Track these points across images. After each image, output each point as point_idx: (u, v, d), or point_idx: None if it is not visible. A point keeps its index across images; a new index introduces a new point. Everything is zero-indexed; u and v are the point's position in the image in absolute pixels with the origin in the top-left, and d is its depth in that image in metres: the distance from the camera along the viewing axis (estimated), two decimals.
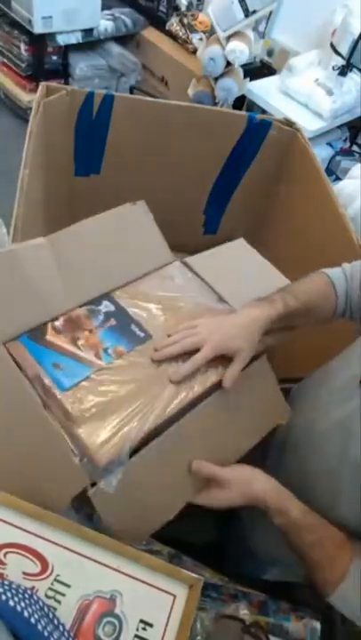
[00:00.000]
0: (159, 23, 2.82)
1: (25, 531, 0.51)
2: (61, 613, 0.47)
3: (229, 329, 0.66)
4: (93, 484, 0.55)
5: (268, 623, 0.68)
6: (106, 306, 0.68)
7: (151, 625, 0.49)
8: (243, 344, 0.65)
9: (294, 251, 1.19)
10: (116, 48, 2.75)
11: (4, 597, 0.42)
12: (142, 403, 0.60)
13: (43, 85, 1.06)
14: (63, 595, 0.48)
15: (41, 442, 0.57)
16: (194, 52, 2.54)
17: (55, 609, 0.47)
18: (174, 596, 0.51)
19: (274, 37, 2.54)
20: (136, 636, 0.48)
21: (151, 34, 2.82)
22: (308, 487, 0.65)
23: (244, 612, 0.68)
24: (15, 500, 0.52)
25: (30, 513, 0.51)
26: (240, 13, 2.02)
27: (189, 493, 0.63)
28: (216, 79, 2.24)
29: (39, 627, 0.42)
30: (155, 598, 0.50)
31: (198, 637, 0.60)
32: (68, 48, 2.61)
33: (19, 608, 0.42)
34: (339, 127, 2.32)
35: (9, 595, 0.43)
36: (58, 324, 0.64)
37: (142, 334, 0.67)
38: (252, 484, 0.63)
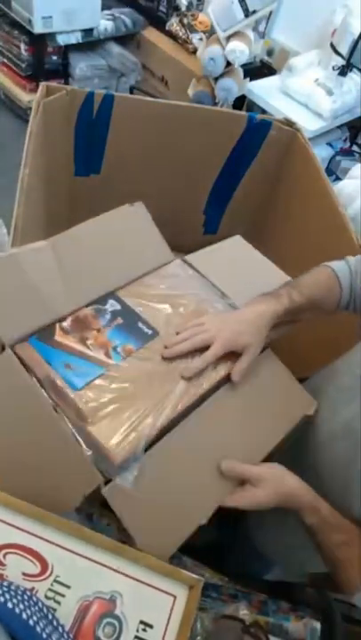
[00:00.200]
0: (159, 23, 2.81)
1: (24, 531, 0.51)
2: (61, 614, 0.47)
3: (238, 325, 0.67)
4: (107, 483, 0.55)
5: (267, 623, 0.68)
6: (112, 305, 0.69)
7: (151, 626, 0.48)
8: (251, 340, 0.66)
9: (294, 250, 1.19)
10: (116, 48, 2.75)
11: (2, 599, 0.42)
12: (154, 400, 0.61)
13: (43, 85, 1.06)
14: (63, 595, 0.48)
15: (52, 442, 0.57)
16: (194, 52, 2.53)
17: (55, 610, 0.47)
18: (174, 597, 0.50)
19: (274, 37, 2.54)
20: (136, 637, 0.48)
21: (151, 34, 2.82)
22: (318, 486, 0.65)
23: (244, 612, 0.68)
24: (15, 501, 0.52)
25: (30, 513, 0.51)
26: (240, 13, 2.02)
27: (220, 495, 0.61)
28: (216, 79, 2.24)
29: (38, 628, 0.42)
30: (155, 599, 0.50)
31: (198, 637, 0.60)
32: (68, 48, 2.61)
33: (17, 610, 0.42)
34: (339, 127, 2.32)
35: (7, 597, 0.43)
36: (66, 324, 0.65)
37: (150, 331, 0.68)
38: (285, 481, 0.62)
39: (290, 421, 0.70)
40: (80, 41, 2.57)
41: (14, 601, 0.42)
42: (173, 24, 2.68)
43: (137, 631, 0.48)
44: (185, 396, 0.63)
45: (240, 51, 2.06)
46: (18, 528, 0.51)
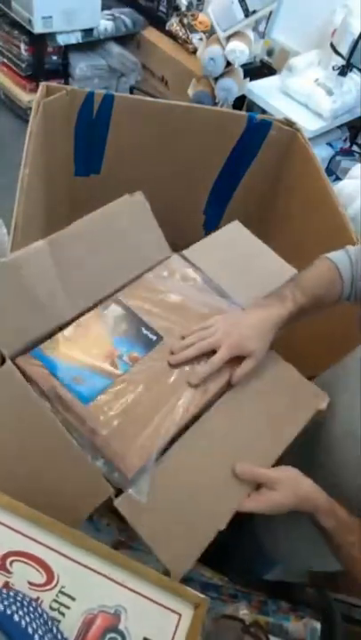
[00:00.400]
0: (159, 23, 2.81)
1: (32, 539, 0.50)
2: (65, 627, 0.46)
3: (244, 330, 0.66)
4: (118, 495, 0.55)
5: (267, 623, 0.67)
6: (114, 310, 0.68)
7: None
8: (257, 345, 0.66)
9: (294, 250, 1.19)
10: (116, 48, 2.75)
11: (8, 611, 0.41)
12: (163, 408, 0.60)
13: (43, 85, 1.06)
14: (68, 607, 0.48)
15: (59, 455, 0.57)
16: (194, 52, 2.53)
17: (59, 622, 0.46)
18: (180, 615, 0.50)
19: (274, 37, 2.54)
20: None
21: (151, 34, 2.82)
22: (329, 486, 0.65)
23: (244, 611, 0.68)
24: (24, 508, 0.51)
25: (37, 521, 0.51)
26: (240, 13, 2.02)
27: (236, 499, 0.60)
28: (216, 79, 2.24)
29: (36, 636, 0.41)
30: (159, 616, 0.49)
31: (198, 637, 0.60)
32: (68, 48, 2.61)
33: (23, 623, 0.41)
34: (339, 127, 2.32)
35: (14, 608, 0.42)
36: (68, 333, 0.63)
37: (154, 337, 0.67)
38: (300, 484, 0.62)
39: (303, 417, 0.69)
40: (80, 41, 2.57)
41: (20, 613, 0.42)
42: (173, 24, 2.67)
43: None
44: (193, 401, 0.62)
45: (240, 51, 2.06)
46: (26, 536, 0.50)
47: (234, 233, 0.87)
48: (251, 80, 2.31)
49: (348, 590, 0.78)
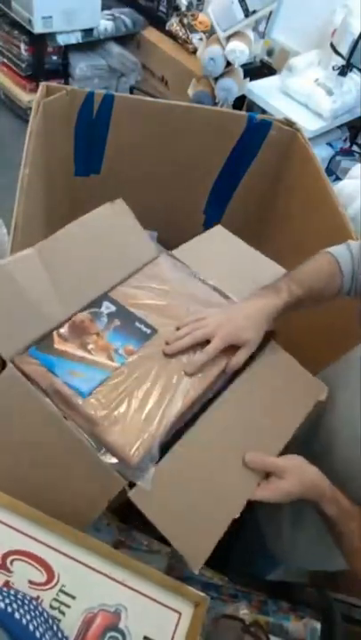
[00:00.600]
0: (159, 23, 2.81)
1: (32, 538, 0.51)
2: (65, 625, 0.46)
3: (239, 320, 0.67)
4: (131, 487, 0.55)
5: (267, 623, 0.68)
6: (107, 307, 0.69)
7: None
8: (251, 335, 0.67)
9: (294, 250, 1.19)
10: (116, 48, 2.75)
11: (9, 610, 0.42)
12: (162, 397, 0.61)
13: (43, 85, 1.06)
14: (68, 606, 0.48)
15: (68, 452, 0.57)
16: (194, 52, 2.53)
17: (59, 620, 0.47)
18: (180, 614, 0.50)
19: (274, 37, 2.54)
20: None
21: (151, 34, 2.82)
22: (334, 476, 0.65)
23: (244, 611, 0.68)
24: (24, 507, 0.51)
25: (39, 520, 0.51)
26: (240, 13, 2.02)
27: (247, 488, 0.61)
28: (216, 79, 2.24)
29: (37, 634, 0.41)
30: (160, 615, 0.49)
31: (198, 637, 0.60)
32: (68, 48, 2.61)
33: (24, 621, 0.41)
34: (339, 127, 2.32)
35: (15, 606, 0.42)
36: (63, 331, 0.64)
37: (148, 330, 0.68)
38: (306, 471, 0.63)
39: (304, 409, 0.70)
40: (80, 41, 2.57)
41: (21, 611, 0.42)
42: (173, 24, 2.68)
43: None
44: (191, 390, 0.63)
45: (240, 51, 2.06)
46: (26, 535, 0.51)
47: (218, 235, 0.88)
48: (251, 80, 2.31)
49: (348, 590, 0.79)
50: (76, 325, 0.66)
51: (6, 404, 0.60)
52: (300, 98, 2.20)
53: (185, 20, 2.62)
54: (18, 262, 0.64)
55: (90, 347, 0.64)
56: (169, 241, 0.81)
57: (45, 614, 0.45)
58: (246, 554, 0.94)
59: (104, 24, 2.63)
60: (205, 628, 0.63)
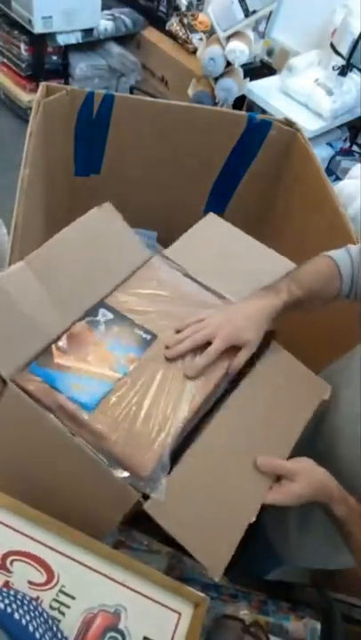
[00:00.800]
0: (159, 23, 2.81)
1: (32, 539, 0.50)
2: (65, 626, 0.46)
3: (238, 321, 0.67)
4: (145, 499, 0.55)
5: (267, 623, 0.68)
6: (104, 315, 0.67)
7: None
8: (251, 335, 0.66)
9: (294, 250, 1.19)
10: (116, 48, 2.75)
11: (9, 610, 0.42)
12: (168, 405, 0.61)
13: (43, 85, 1.06)
14: (68, 607, 0.48)
15: (78, 469, 0.57)
16: (194, 52, 2.53)
17: (59, 621, 0.46)
18: (179, 614, 0.50)
19: (274, 37, 2.54)
20: None
21: (151, 34, 2.82)
22: (338, 475, 0.66)
23: (244, 611, 0.68)
24: (24, 508, 0.51)
25: (38, 521, 0.51)
26: (240, 13, 2.02)
27: (260, 492, 0.61)
28: (216, 79, 2.24)
29: (37, 634, 0.41)
30: (159, 615, 0.49)
31: (198, 637, 0.60)
32: (68, 48, 2.61)
33: (24, 621, 0.41)
34: (339, 127, 2.32)
35: (14, 607, 0.42)
36: (62, 344, 0.63)
37: (148, 336, 0.67)
38: (316, 472, 0.63)
39: (309, 408, 0.70)
40: (80, 41, 2.57)
41: (20, 611, 0.42)
42: (173, 24, 2.67)
43: None
44: (197, 395, 0.63)
45: (240, 51, 2.06)
46: (26, 535, 0.50)
47: (211, 225, 0.87)
48: (251, 80, 2.31)
49: (348, 590, 0.79)
50: (75, 337, 0.64)
51: (11, 423, 0.59)
52: (300, 98, 2.20)
53: (185, 20, 2.62)
54: (10, 277, 0.62)
55: (90, 358, 0.62)
56: (169, 241, 0.81)
57: (45, 615, 0.45)
58: (249, 553, 0.95)
59: (104, 24, 2.63)
60: (205, 628, 0.63)
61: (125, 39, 2.83)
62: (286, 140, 1.21)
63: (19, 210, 0.83)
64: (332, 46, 2.10)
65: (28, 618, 0.42)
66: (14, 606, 0.42)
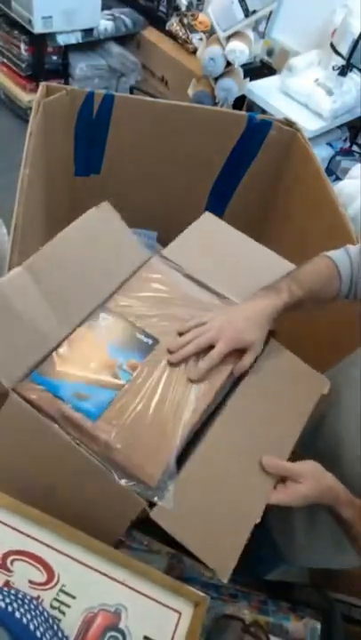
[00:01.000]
0: (159, 23, 2.81)
1: (32, 538, 0.50)
2: (65, 625, 0.46)
3: (240, 323, 0.67)
4: (151, 506, 0.55)
5: (267, 623, 0.68)
6: (104, 319, 0.67)
7: None
8: (254, 337, 0.67)
9: (294, 250, 1.19)
10: (116, 48, 2.74)
11: (10, 609, 0.42)
12: (172, 410, 0.61)
13: (43, 85, 1.06)
14: (68, 606, 0.48)
15: (83, 478, 0.56)
16: (194, 52, 2.53)
17: (59, 620, 0.46)
18: (180, 614, 0.50)
19: (274, 37, 2.53)
20: None
21: (151, 34, 2.82)
22: (341, 476, 0.66)
23: (244, 611, 0.68)
24: (24, 507, 0.51)
25: (39, 520, 0.51)
26: (240, 13, 2.02)
27: (263, 493, 0.61)
28: (216, 79, 2.24)
29: (38, 633, 0.41)
30: (160, 615, 0.49)
31: (198, 637, 0.60)
32: (68, 48, 2.60)
33: (24, 620, 0.41)
34: (339, 127, 2.32)
35: (15, 606, 0.42)
36: (63, 350, 0.62)
37: (150, 341, 0.66)
38: (321, 476, 0.63)
39: (309, 404, 0.71)
40: (80, 41, 2.57)
41: (22, 610, 0.42)
42: (173, 24, 2.67)
43: None
44: (201, 399, 0.63)
45: (240, 51, 2.06)
46: (26, 535, 0.50)
47: (208, 225, 0.86)
48: (251, 80, 2.31)
49: (349, 590, 0.79)
50: (76, 343, 0.63)
51: (13, 433, 0.58)
52: (300, 98, 2.20)
53: (185, 20, 2.62)
54: (10, 282, 0.61)
55: (92, 365, 0.62)
56: (169, 241, 0.81)
57: (45, 614, 0.45)
58: (253, 554, 0.95)
59: (104, 24, 2.63)
60: (205, 628, 0.63)
61: (125, 39, 2.83)
62: (286, 140, 1.21)
63: (19, 210, 0.83)
64: (332, 46, 2.10)
65: (28, 617, 0.42)
66: (15, 605, 0.42)
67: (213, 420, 0.64)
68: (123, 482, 0.55)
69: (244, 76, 2.27)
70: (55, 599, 0.48)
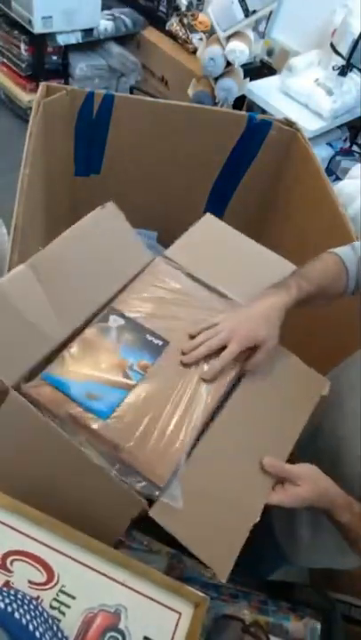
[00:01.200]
0: (159, 23, 2.81)
1: (32, 538, 0.50)
2: (65, 625, 0.46)
3: (251, 322, 0.67)
4: (150, 504, 0.55)
5: (268, 623, 0.68)
6: (115, 321, 0.67)
7: None
8: (266, 334, 0.67)
9: (294, 250, 1.19)
10: (116, 48, 2.74)
11: (9, 609, 0.42)
12: (181, 410, 0.61)
13: (43, 85, 1.07)
14: (68, 606, 0.48)
15: (84, 476, 0.57)
16: (194, 52, 2.53)
17: (59, 620, 0.46)
18: (179, 614, 0.50)
19: (274, 37, 2.53)
20: None
21: (151, 34, 2.82)
22: (342, 476, 0.66)
23: (244, 611, 0.68)
24: (24, 507, 0.51)
25: (38, 520, 0.51)
26: (240, 13, 2.02)
27: (262, 493, 0.62)
28: (216, 79, 2.24)
29: (37, 634, 0.41)
30: (160, 615, 0.49)
31: (198, 637, 0.60)
32: (68, 48, 2.60)
33: (24, 621, 0.41)
34: (339, 127, 2.32)
35: (15, 606, 0.42)
36: (74, 350, 0.63)
37: (160, 342, 0.67)
38: (319, 479, 0.64)
39: (309, 404, 0.71)
40: (80, 41, 2.57)
41: (21, 611, 0.42)
42: (173, 24, 2.67)
43: None
44: (210, 399, 0.63)
45: (240, 51, 2.06)
46: (26, 535, 0.50)
47: (209, 226, 0.87)
48: (251, 80, 2.31)
49: (350, 590, 0.79)
50: (87, 343, 0.64)
51: (13, 432, 0.58)
52: (300, 98, 2.20)
53: (185, 20, 2.62)
54: (12, 281, 0.61)
55: (103, 365, 0.62)
56: (169, 241, 0.81)
57: (45, 614, 0.45)
58: (256, 555, 0.95)
59: (104, 24, 2.63)
60: (205, 628, 0.63)
61: (125, 39, 2.83)
62: (286, 140, 1.21)
63: (19, 210, 0.83)
64: (332, 46, 2.10)
65: (28, 617, 0.42)
66: (15, 606, 0.42)
67: (213, 419, 0.64)
68: (131, 481, 0.55)
69: (244, 76, 2.27)
70: (55, 599, 0.48)
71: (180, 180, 1.30)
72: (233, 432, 0.64)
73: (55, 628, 0.45)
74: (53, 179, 1.15)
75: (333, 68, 2.11)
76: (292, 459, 0.66)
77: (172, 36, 2.70)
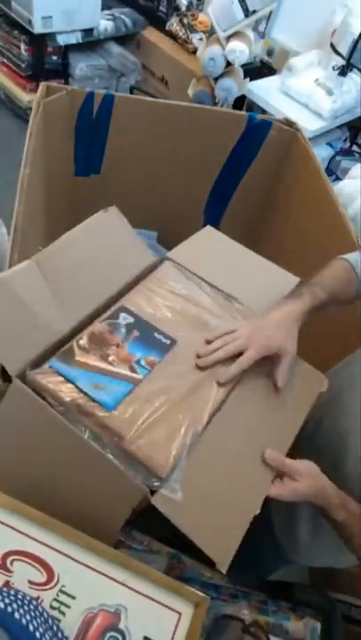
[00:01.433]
0: (159, 23, 2.81)
1: (32, 539, 0.51)
2: (65, 625, 0.46)
3: (269, 330, 0.68)
4: (152, 493, 0.55)
5: (267, 623, 0.68)
6: (124, 318, 0.69)
7: None
8: (284, 342, 0.68)
9: (294, 251, 1.19)
10: (116, 48, 2.74)
11: (9, 609, 0.42)
12: (187, 407, 0.62)
13: (43, 85, 1.07)
14: (68, 606, 0.48)
15: (85, 465, 0.57)
16: (194, 52, 2.53)
17: (59, 621, 0.47)
18: (180, 614, 0.50)
19: (274, 37, 2.53)
20: None
21: (151, 34, 2.82)
22: (338, 479, 0.67)
23: (244, 611, 0.68)
24: (24, 507, 0.51)
25: (38, 520, 0.51)
26: (240, 13, 2.02)
27: (263, 485, 0.62)
28: (216, 79, 2.24)
29: (37, 634, 0.41)
30: (160, 615, 0.50)
31: (198, 637, 0.60)
32: (68, 48, 2.60)
33: (24, 621, 0.41)
34: (339, 127, 2.32)
35: (15, 606, 0.42)
36: (83, 342, 0.64)
37: (168, 341, 0.68)
38: (317, 476, 0.65)
39: (308, 401, 0.72)
40: (80, 41, 2.57)
41: (21, 611, 0.42)
42: (173, 24, 2.67)
43: None
44: (215, 398, 0.64)
45: (240, 51, 2.06)
46: (26, 535, 0.51)
47: (209, 236, 0.89)
48: (251, 80, 2.31)
49: (351, 589, 0.79)
50: (96, 336, 0.66)
51: (15, 419, 0.59)
52: (300, 98, 2.20)
53: (185, 20, 2.62)
54: (17, 275, 0.63)
55: (111, 358, 0.64)
56: (169, 241, 0.81)
57: (45, 614, 0.45)
58: (257, 554, 0.95)
59: (104, 24, 2.63)
60: (205, 628, 0.63)
61: (125, 39, 2.83)
62: (286, 140, 1.21)
63: (19, 210, 0.83)
64: (332, 46, 2.10)
65: (28, 617, 0.42)
66: (15, 606, 0.42)
67: (215, 414, 0.65)
68: (132, 471, 0.55)
69: (244, 76, 2.27)
70: (55, 599, 0.48)
71: (180, 180, 1.30)
72: (234, 426, 0.65)
73: (55, 628, 0.45)
74: (53, 179, 1.15)
75: (333, 68, 2.11)
76: (293, 455, 0.66)
77: (172, 36, 2.70)
